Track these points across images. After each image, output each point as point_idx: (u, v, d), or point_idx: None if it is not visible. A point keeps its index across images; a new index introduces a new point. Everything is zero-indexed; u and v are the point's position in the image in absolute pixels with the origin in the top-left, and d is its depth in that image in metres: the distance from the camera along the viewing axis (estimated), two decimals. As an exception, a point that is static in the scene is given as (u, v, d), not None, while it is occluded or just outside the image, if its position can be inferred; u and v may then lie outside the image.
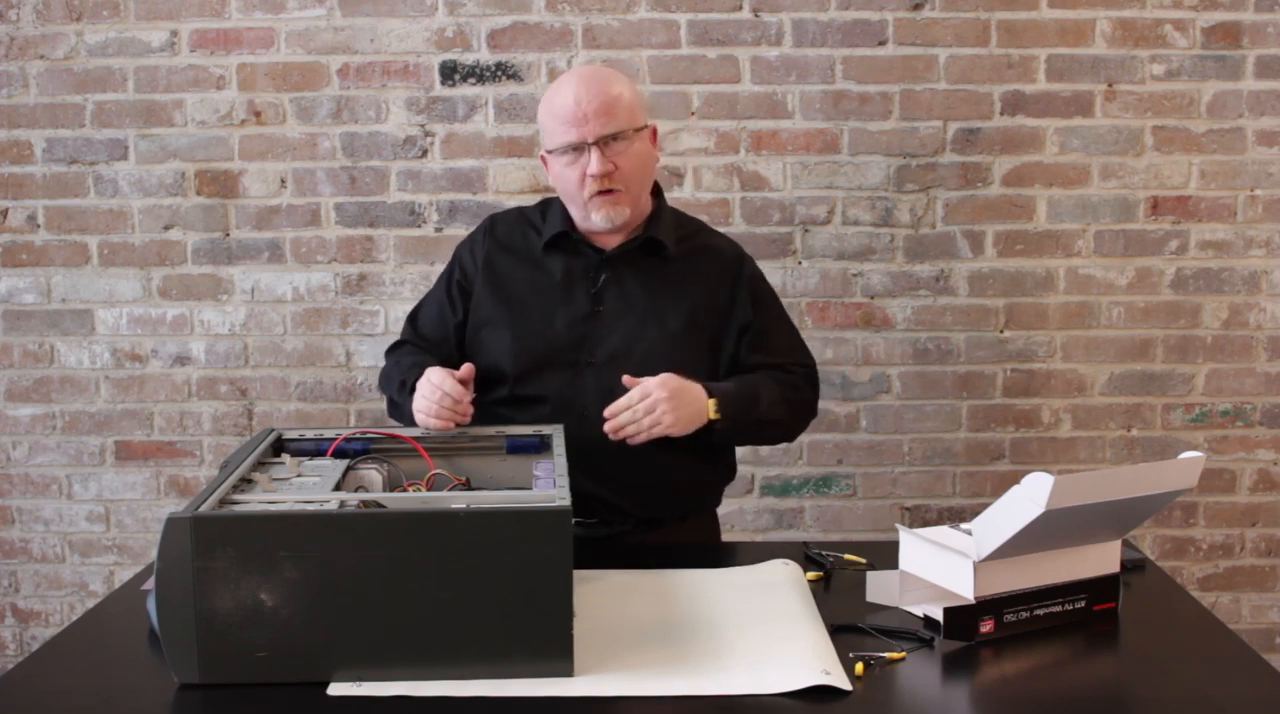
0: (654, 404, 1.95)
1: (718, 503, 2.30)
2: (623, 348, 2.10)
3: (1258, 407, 3.07)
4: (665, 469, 2.10)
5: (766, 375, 2.14)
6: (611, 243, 2.16)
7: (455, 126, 3.01)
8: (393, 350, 2.26)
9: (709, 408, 2.02)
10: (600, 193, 2.06)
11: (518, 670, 1.48)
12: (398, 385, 2.11)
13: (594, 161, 2.03)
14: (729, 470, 2.29)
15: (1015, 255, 3.03)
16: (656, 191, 2.23)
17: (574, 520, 2.06)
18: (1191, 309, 3.04)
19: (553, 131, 2.08)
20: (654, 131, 2.15)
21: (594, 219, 2.09)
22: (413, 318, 2.29)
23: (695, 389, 2.01)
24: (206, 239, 3.05)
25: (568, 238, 2.16)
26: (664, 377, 1.98)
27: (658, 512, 2.15)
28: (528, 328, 2.14)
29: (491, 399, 2.17)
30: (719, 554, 1.95)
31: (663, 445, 2.03)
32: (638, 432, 1.97)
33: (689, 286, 2.16)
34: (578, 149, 2.05)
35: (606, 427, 1.97)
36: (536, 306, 2.15)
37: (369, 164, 3.02)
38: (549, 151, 2.11)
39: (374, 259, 3.04)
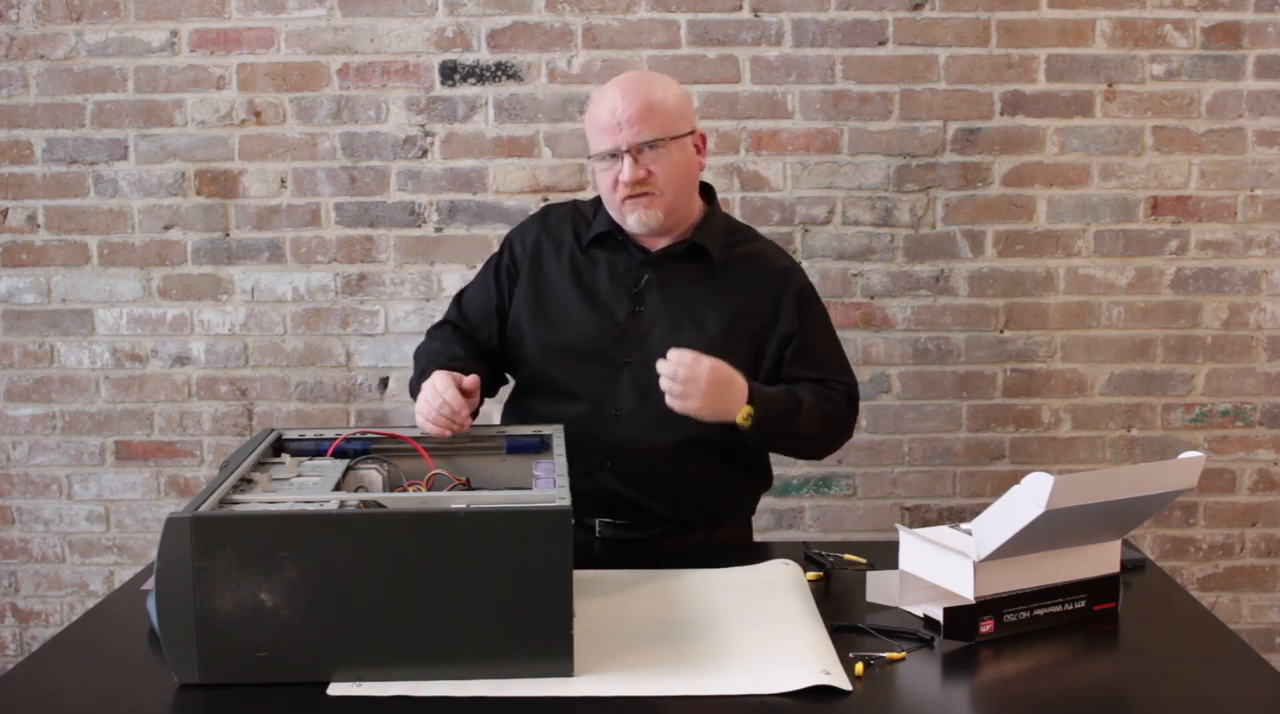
0: (690, 380, 1.92)
1: (752, 510, 2.29)
2: (660, 350, 2.07)
3: (1258, 407, 3.07)
4: (696, 473, 2.10)
5: (808, 388, 2.09)
6: (656, 245, 2.16)
7: (455, 126, 3.01)
8: (435, 330, 2.26)
9: (742, 413, 1.96)
10: (632, 196, 2.06)
11: (518, 670, 1.48)
12: (418, 373, 2.12)
13: (625, 169, 2.04)
14: (764, 478, 2.27)
15: (1015, 255, 3.03)
16: (710, 196, 2.23)
17: (604, 520, 2.09)
18: (1191, 309, 3.04)
19: (593, 138, 2.11)
20: (701, 137, 2.15)
21: (628, 222, 2.10)
22: (459, 298, 2.29)
23: (739, 388, 1.96)
24: (206, 239, 3.05)
25: (613, 237, 2.17)
26: (718, 363, 1.94)
27: (689, 516, 2.14)
28: (563, 322, 2.14)
29: (523, 390, 2.19)
30: (719, 554, 1.95)
31: (696, 450, 2.05)
32: (670, 388, 1.93)
33: (732, 293, 2.14)
34: (614, 156, 2.06)
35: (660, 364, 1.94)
36: (575, 302, 2.15)
37: (369, 164, 3.02)
38: (589, 157, 2.14)
39: (374, 259, 3.04)
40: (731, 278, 2.15)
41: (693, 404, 1.93)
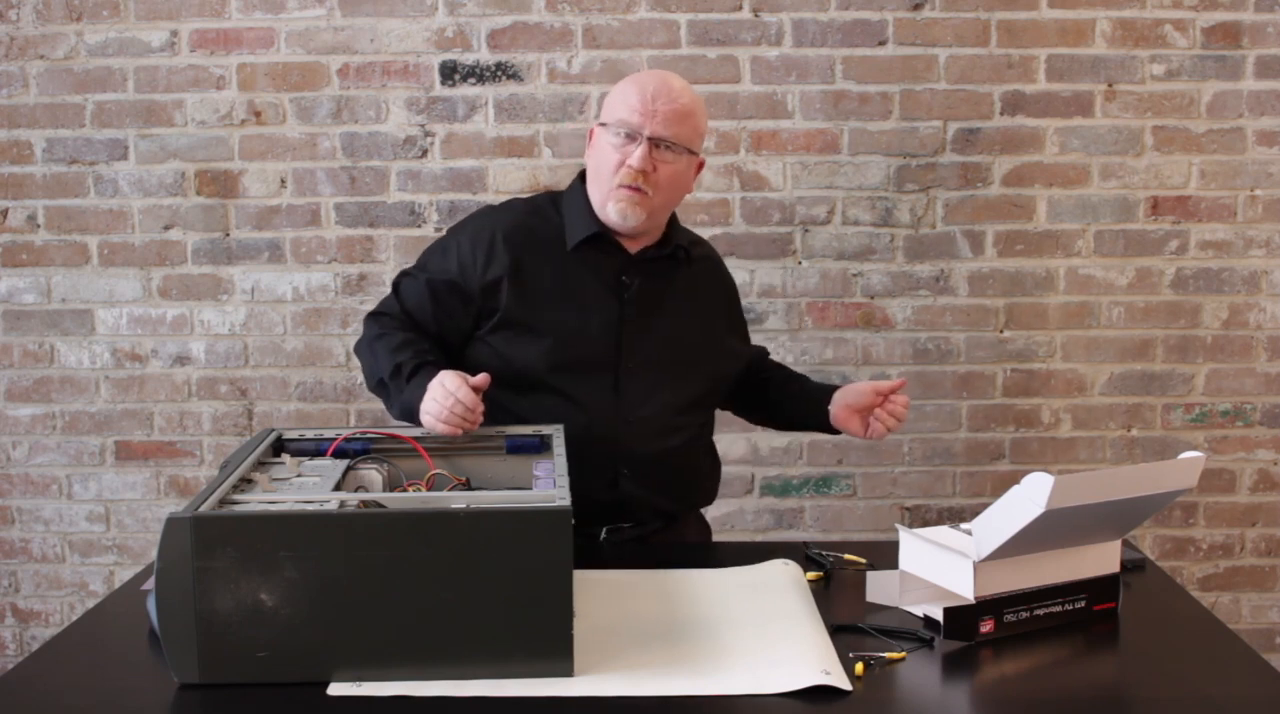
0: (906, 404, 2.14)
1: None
2: (661, 353, 2.12)
3: (1258, 407, 3.07)
4: (694, 466, 2.21)
5: (769, 362, 2.37)
6: (635, 246, 2.15)
7: (455, 126, 3.01)
8: (375, 317, 2.14)
9: None
10: (627, 187, 2.05)
11: (518, 670, 1.48)
12: (390, 368, 2.01)
13: (637, 154, 2.04)
14: (718, 459, 2.35)
15: (1015, 255, 3.03)
16: None
17: (611, 527, 2.10)
18: (1191, 309, 3.04)
19: (617, 106, 2.08)
20: (700, 165, 2.16)
21: (609, 210, 2.07)
22: (396, 288, 2.17)
23: None
24: (206, 239, 3.05)
25: (599, 238, 2.12)
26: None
27: (682, 508, 2.23)
28: (563, 332, 2.09)
29: (526, 402, 2.10)
30: (719, 554, 1.95)
31: (693, 444, 2.14)
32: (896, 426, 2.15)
33: (702, 293, 2.23)
34: (631, 136, 2.05)
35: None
36: (569, 310, 2.10)
37: (369, 164, 3.02)
38: (603, 123, 2.10)
39: (374, 259, 3.04)
40: (696, 279, 2.22)
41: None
